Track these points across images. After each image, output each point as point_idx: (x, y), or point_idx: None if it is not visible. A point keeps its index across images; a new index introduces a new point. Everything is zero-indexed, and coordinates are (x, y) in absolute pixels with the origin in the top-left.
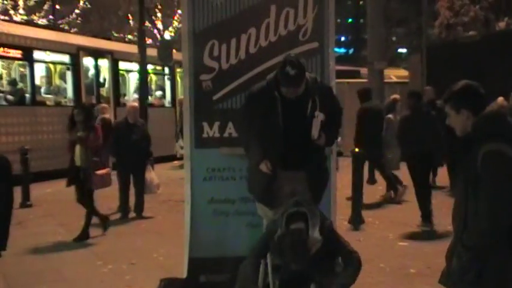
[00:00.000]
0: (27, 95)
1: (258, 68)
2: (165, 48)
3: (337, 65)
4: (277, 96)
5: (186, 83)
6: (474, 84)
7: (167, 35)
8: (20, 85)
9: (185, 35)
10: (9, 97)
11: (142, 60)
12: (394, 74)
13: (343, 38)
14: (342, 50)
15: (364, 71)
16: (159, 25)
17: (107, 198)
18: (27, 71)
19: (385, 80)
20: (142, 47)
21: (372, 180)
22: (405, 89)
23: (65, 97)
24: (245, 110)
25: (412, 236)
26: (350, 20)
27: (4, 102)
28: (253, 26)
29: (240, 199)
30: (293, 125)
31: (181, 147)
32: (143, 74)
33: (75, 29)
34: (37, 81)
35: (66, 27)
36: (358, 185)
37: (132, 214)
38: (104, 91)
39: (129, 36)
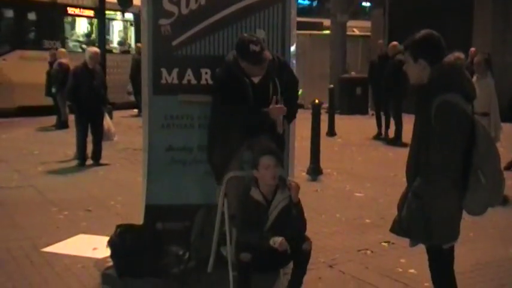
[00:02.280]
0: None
1: (218, 14)
2: None
3: (300, 16)
4: (247, 82)
5: (144, 28)
6: (435, 35)
7: None
8: (93, 37)
9: None
10: (84, 46)
11: (102, 6)
12: (357, 27)
13: None
14: (306, 2)
15: (327, 23)
16: None
17: (63, 145)
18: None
19: (348, 33)
20: None
21: (331, 133)
22: (367, 42)
23: (129, 47)
24: (218, 99)
25: (369, 188)
26: None
27: (80, 50)
28: None
29: (198, 147)
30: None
31: (129, 93)
32: (102, 19)
33: None
34: (106, 35)
35: None
36: (317, 136)
37: (89, 161)
38: None
39: None
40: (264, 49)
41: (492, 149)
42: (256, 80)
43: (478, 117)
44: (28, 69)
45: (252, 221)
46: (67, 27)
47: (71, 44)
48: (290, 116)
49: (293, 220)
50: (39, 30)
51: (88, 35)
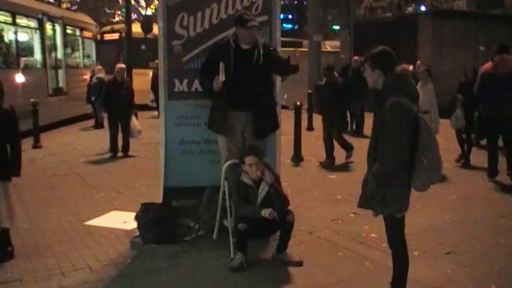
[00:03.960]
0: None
1: (219, 35)
2: (147, 22)
3: (284, 37)
4: (231, 45)
5: (160, 48)
6: (388, 50)
7: (149, 11)
8: None
9: (160, 8)
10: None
11: (129, 32)
12: (329, 45)
13: (290, 16)
14: (289, 26)
15: (305, 42)
16: (142, 3)
17: (100, 141)
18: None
19: (322, 49)
20: (128, 21)
21: (310, 128)
22: (337, 56)
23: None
24: (205, 61)
25: (339, 171)
26: (295, 3)
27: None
28: (215, 1)
29: (204, 141)
30: (242, 70)
31: (152, 101)
32: (129, 42)
33: (76, 7)
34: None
35: (68, 5)
36: (299, 131)
37: (120, 154)
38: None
39: (119, 12)
40: (253, 20)
41: (432, 138)
42: (245, 47)
43: (421, 114)
44: (137, 80)
45: (245, 199)
46: None
47: None
48: (287, 69)
49: (274, 197)
50: (145, 55)
51: None
